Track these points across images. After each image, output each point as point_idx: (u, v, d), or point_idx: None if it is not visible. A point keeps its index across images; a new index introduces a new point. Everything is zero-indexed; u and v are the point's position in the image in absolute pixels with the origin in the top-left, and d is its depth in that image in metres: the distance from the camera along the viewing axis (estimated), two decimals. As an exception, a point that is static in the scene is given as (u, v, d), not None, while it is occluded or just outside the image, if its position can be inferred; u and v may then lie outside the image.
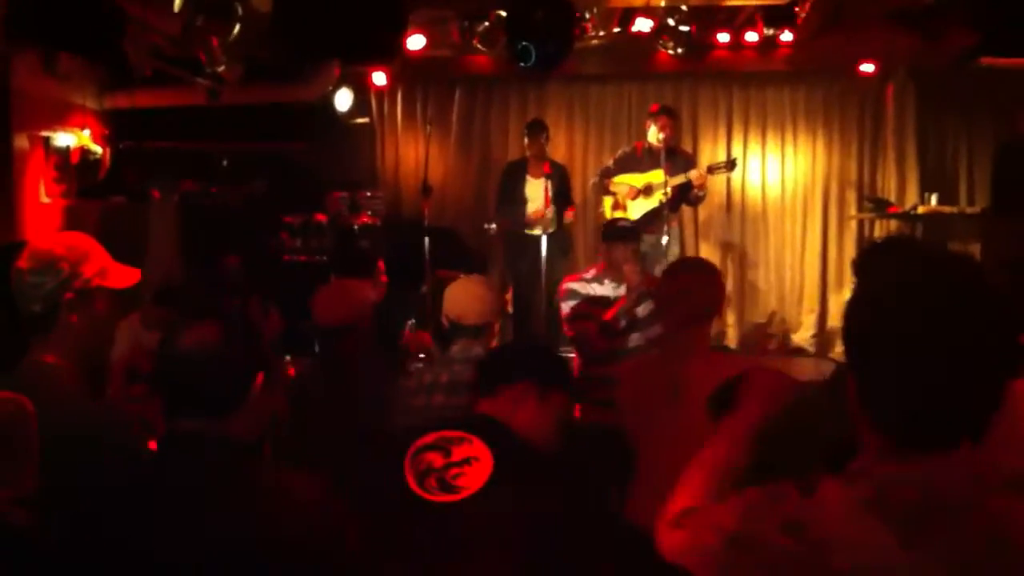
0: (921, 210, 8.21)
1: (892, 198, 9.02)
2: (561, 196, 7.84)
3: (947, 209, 8.30)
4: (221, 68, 6.04)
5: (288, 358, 4.65)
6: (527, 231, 7.87)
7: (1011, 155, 7.47)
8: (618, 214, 7.79)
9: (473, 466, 2.50)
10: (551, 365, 2.88)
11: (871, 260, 1.60)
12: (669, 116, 7.70)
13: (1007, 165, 7.47)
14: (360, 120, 8.69)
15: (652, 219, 7.59)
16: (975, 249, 7.70)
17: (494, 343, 3.75)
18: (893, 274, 1.57)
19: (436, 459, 2.50)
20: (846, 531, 1.46)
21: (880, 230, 9.07)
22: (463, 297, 3.72)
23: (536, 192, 7.77)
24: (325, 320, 3.95)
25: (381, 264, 4.94)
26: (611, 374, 3.93)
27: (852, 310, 1.58)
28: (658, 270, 7.48)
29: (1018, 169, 7.22)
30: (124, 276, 2.67)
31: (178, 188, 7.86)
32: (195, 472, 2.02)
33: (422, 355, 4.64)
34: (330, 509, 2.05)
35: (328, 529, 2.03)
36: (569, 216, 7.91)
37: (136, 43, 5.92)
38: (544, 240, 7.41)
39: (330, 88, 7.76)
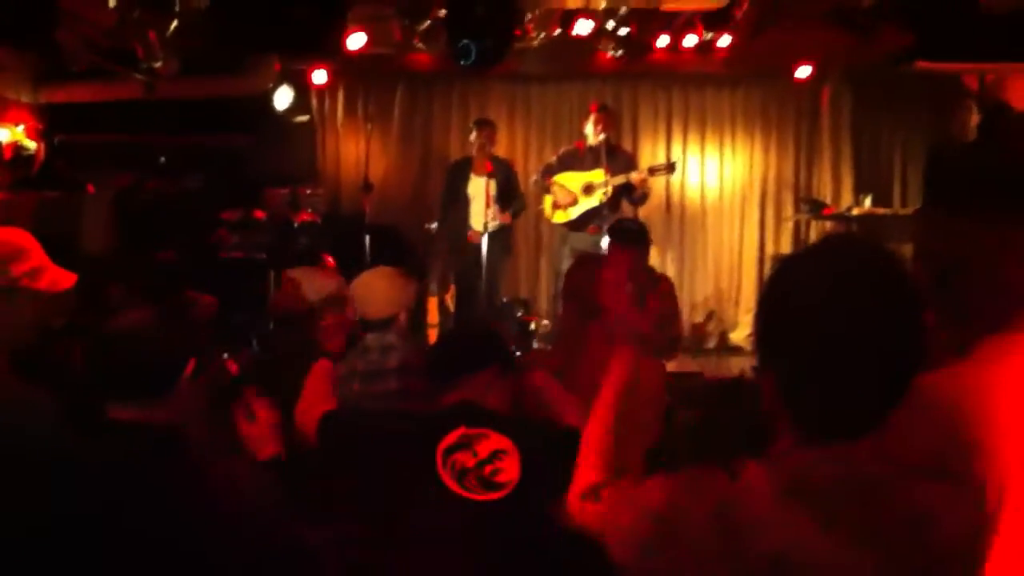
0: (855, 211, 8.35)
1: (828, 199, 9.17)
2: (506, 193, 7.84)
3: (881, 210, 8.45)
4: (158, 63, 5.98)
5: (226, 355, 4.61)
6: (469, 230, 7.87)
7: (939, 155, 7.61)
8: (558, 213, 7.83)
9: (504, 460, 2.57)
10: (501, 346, 2.95)
11: (788, 256, 1.64)
12: (606, 113, 7.76)
13: (936, 165, 7.61)
14: (300, 118, 8.64)
15: (592, 218, 7.63)
16: (908, 250, 7.83)
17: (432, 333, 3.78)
18: (805, 269, 1.60)
19: (466, 459, 2.56)
20: (770, 515, 1.48)
21: (816, 231, 9.21)
22: (368, 291, 3.76)
23: (478, 190, 7.78)
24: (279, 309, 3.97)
25: (328, 259, 4.93)
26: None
27: (764, 306, 1.61)
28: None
29: (946, 169, 7.36)
30: (58, 279, 2.61)
31: (114, 182, 7.75)
32: (123, 457, 2.01)
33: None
34: (259, 495, 2.05)
35: (256, 516, 2.03)
36: (503, 220, 7.82)
37: (71, 36, 5.84)
38: (485, 239, 7.44)
39: (270, 85, 7.71)
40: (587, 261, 4.32)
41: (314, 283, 4.27)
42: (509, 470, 2.54)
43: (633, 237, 5.18)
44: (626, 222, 6.11)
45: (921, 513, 1.52)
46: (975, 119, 7.59)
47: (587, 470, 1.85)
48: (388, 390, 3.51)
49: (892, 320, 1.51)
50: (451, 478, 2.53)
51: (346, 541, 2.58)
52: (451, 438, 2.58)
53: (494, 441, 2.59)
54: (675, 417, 3.47)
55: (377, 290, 3.75)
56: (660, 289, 5.22)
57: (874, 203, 8.47)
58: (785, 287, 1.60)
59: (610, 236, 5.43)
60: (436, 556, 2.50)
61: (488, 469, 2.55)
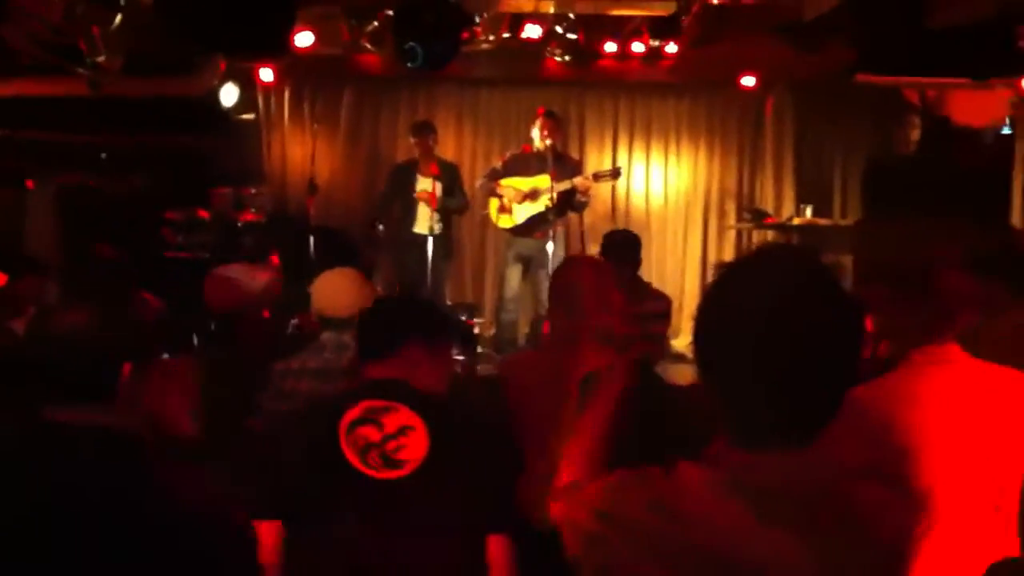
0: (796, 221, 8.45)
1: (770, 209, 9.28)
2: (451, 194, 7.86)
3: (821, 221, 8.57)
4: (101, 59, 5.90)
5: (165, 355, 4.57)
6: (414, 231, 7.86)
7: (879, 167, 7.76)
8: (503, 217, 7.85)
9: (410, 436, 2.51)
10: (435, 319, 2.89)
11: (725, 267, 1.67)
12: (552, 119, 7.80)
13: (875, 177, 7.76)
14: (246, 116, 8.58)
15: (538, 223, 7.66)
16: (847, 261, 7.95)
17: None
18: (741, 280, 1.62)
19: (371, 433, 2.50)
20: (707, 508, 1.51)
21: (758, 240, 9.32)
22: (329, 290, 3.76)
23: (424, 192, 7.78)
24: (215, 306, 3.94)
25: (274, 258, 4.91)
26: (498, 368, 3.98)
27: (703, 314, 1.63)
28: (542, 275, 7.59)
29: (885, 181, 7.50)
30: None
31: (57, 179, 7.64)
32: (62, 460, 1.98)
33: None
34: (204, 496, 2.04)
35: (201, 520, 2.01)
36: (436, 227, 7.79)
37: (16, 30, 5.75)
38: (430, 241, 7.44)
39: (216, 83, 7.65)
40: (575, 262, 4.34)
41: (250, 280, 4.25)
42: (414, 449, 2.49)
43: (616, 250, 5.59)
44: (617, 234, 6.28)
45: (856, 512, 1.55)
46: (917, 133, 7.73)
47: (566, 471, 1.88)
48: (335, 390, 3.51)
49: (829, 329, 1.53)
50: (354, 454, 2.48)
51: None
52: (356, 411, 2.52)
53: (403, 416, 2.53)
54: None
55: (340, 290, 3.75)
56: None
57: (815, 213, 8.58)
58: (723, 295, 1.62)
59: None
60: (339, 534, 2.47)
61: (391, 445, 2.49)
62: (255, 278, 4.29)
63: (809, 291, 1.55)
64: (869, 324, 2.89)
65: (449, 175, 7.94)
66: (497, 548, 2.58)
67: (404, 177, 8.10)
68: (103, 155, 7.97)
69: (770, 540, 1.49)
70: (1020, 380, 2.39)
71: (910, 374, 2.37)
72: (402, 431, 2.50)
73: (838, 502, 1.54)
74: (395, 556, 2.47)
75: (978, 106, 8.17)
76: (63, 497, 1.92)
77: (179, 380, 2.67)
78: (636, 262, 5.84)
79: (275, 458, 2.57)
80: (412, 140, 8.10)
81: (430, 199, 7.60)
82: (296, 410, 2.92)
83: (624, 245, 5.86)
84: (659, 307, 5.78)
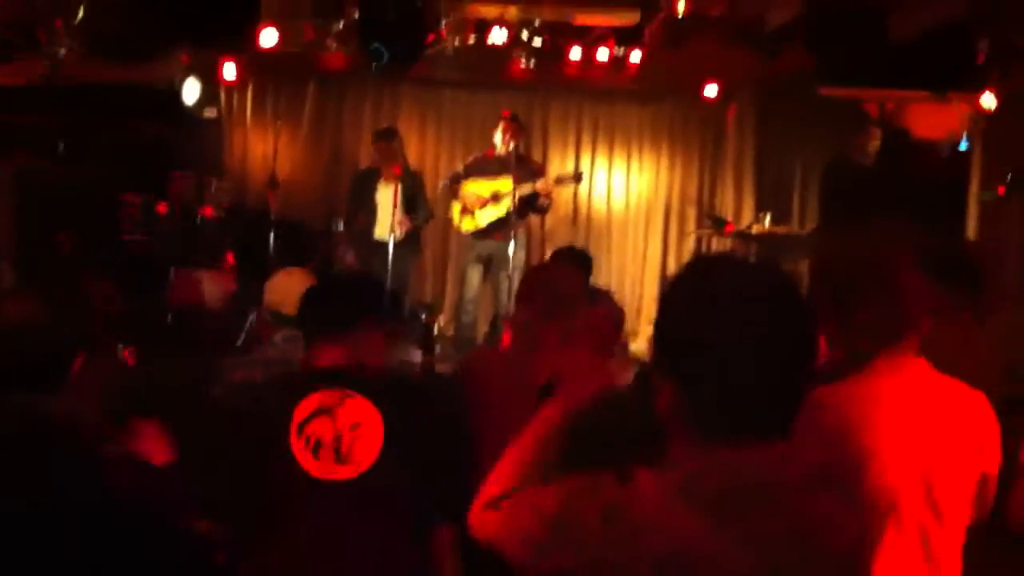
0: (755, 229, 8.51)
1: (729, 216, 9.33)
2: (413, 201, 7.83)
3: (780, 229, 8.63)
4: (63, 49, 5.85)
5: (121, 345, 4.53)
6: (375, 236, 7.83)
7: (835, 175, 7.83)
8: (466, 220, 7.86)
9: (364, 430, 2.43)
10: (386, 296, 2.89)
11: (684, 271, 1.69)
12: (515, 123, 7.81)
13: (831, 185, 7.83)
14: (208, 112, 8.52)
15: (500, 226, 7.67)
16: (804, 268, 8.03)
17: None
18: (700, 282, 1.64)
19: (324, 430, 2.42)
20: (660, 516, 1.51)
21: (717, 247, 9.38)
22: (281, 288, 3.80)
23: (386, 198, 7.76)
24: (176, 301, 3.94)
25: (229, 257, 4.89)
26: (458, 364, 3.97)
27: (664, 315, 1.65)
28: (502, 276, 7.60)
29: (841, 189, 7.58)
30: None
31: (13, 163, 7.53)
32: (9, 448, 1.96)
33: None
34: (150, 488, 2.03)
35: (147, 509, 2.00)
36: (403, 225, 7.70)
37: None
38: (391, 245, 7.42)
39: (177, 77, 7.58)
40: (545, 265, 4.38)
41: (214, 286, 4.25)
42: (368, 443, 2.42)
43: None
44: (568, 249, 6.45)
45: (810, 520, 1.57)
46: (876, 144, 7.81)
47: (494, 483, 1.85)
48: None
49: (785, 330, 1.57)
50: (306, 455, 2.39)
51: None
52: (308, 406, 2.44)
53: (357, 407, 2.45)
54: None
55: (295, 287, 3.67)
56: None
57: (774, 222, 8.65)
58: (683, 297, 1.65)
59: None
60: (289, 544, 2.40)
61: (346, 440, 2.40)
62: (219, 286, 4.29)
63: (766, 293, 1.58)
64: (826, 331, 2.94)
65: (411, 182, 7.90)
66: (442, 538, 2.54)
67: (365, 183, 8.07)
68: (60, 144, 7.85)
69: (720, 549, 1.49)
70: (972, 395, 2.43)
71: (868, 379, 2.40)
72: (356, 426, 2.44)
73: (790, 508, 1.56)
74: (343, 552, 2.42)
75: (936, 119, 8.27)
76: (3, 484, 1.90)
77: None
78: (588, 271, 5.93)
79: (223, 458, 2.48)
80: (373, 146, 8.09)
81: (392, 212, 7.52)
82: (242, 405, 2.78)
83: (579, 256, 6.01)
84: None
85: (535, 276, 3.92)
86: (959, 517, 2.37)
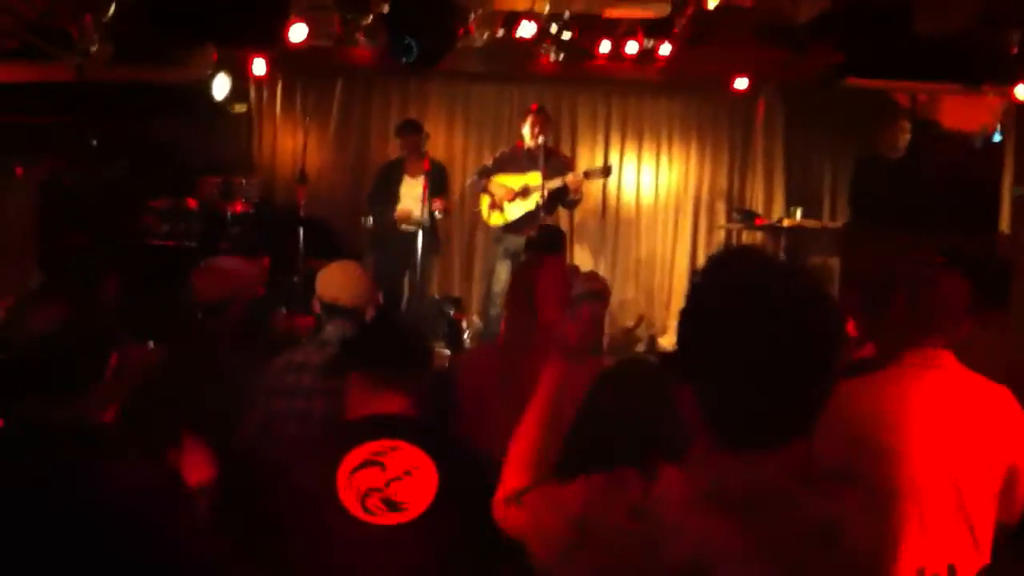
0: (786, 223, 8.45)
1: (759, 210, 9.30)
2: (437, 194, 7.86)
3: (810, 223, 8.57)
4: (93, 47, 5.87)
5: (151, 343, 4.55)
6: (401, 228, 7.86)
7: (866, 171, 7.78)
8: (495, 214, 7.86)
9: (416, 477, 2.40)
10: (422, 345, 2.87)
11: (707, 271, 1.67)
12: (543, 116, 7.81)
13: (863, 181, 7.78)
14: (238, 108, 8.55)
15: (528, 221, 7.67)
16: (835, 263, 7.98)
17: None
18: (724, 284, 1.62)
19: (374, 477, 2.39)
20: (686, 518, 1.51)
21: (747, 240, 9.34)
22: (338, 279, 3.68)
23: (413, 190, 7.78)
24: (204, 296, 3.89)
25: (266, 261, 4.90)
26: (452, 365, 3.95)
27: (687, 318, 1.63)
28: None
29: (873, 185, 7.52)
30: None
31: (43, 165, 7.59)
32: (37, 458, 1.96)
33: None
34: (170, 499, 2.01)
35: (165, 521, 1.98)
36: (437, 206, 7.78)
37: (3, 14, 5.72)
38: (419, 237, 7.44)
39: (207, 73, 7.61)
40: (536, 263, 4.35)
41: (241, 272, 4.21)
42: (419, 492, 2.39)
43: (556, 243, 5.49)
44: (544, 229, 6.34)
45: (830, 524, 1.56)
46: (906, 137, 7.74)
47: (512, 475, 1.86)
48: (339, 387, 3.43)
49: (810, 332, 1.54)
50: (354, 501, 2.37)
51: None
52: (359, 455, 2.42)
53: (408, 456, 2.43)
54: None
55: (351, 278, 3.70)
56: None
57: (804, 215, 8.59)
58: (706, 299, 1.63)
59: (532, 247, 5.69)
60: None
61: (395, 488, 2.38)
62: (245, 271, 4.26)
63: (788, 297, 1.55)
64: (851, 327, 2.92)
65: (437, 175, 7.93)
66: None
67: (390, 175, 8.10)
68: (93, 142, 7.91)
69: (744, 552, 1.49)
70: (997, 390, 2.41)
71: (897, 375, 2.39)
72: (408, 473, 2.41)
73: (811, 512, 1.55)
74: None
75: (969, 111, 8.19)
76: (25, 493, 1.91)
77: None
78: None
79: (267, 507, 2.47)
80: (397, 140, 8.11)
81: (420, 204, 7.55)
82: (290, 453, 2.79)
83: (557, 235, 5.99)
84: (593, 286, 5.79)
85: (522, 275, 3.91)
86: (986, 511, 2.36)
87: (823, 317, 1.56)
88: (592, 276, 2.05)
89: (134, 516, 1.94)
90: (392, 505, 2.38)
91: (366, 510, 2.37)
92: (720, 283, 1.63)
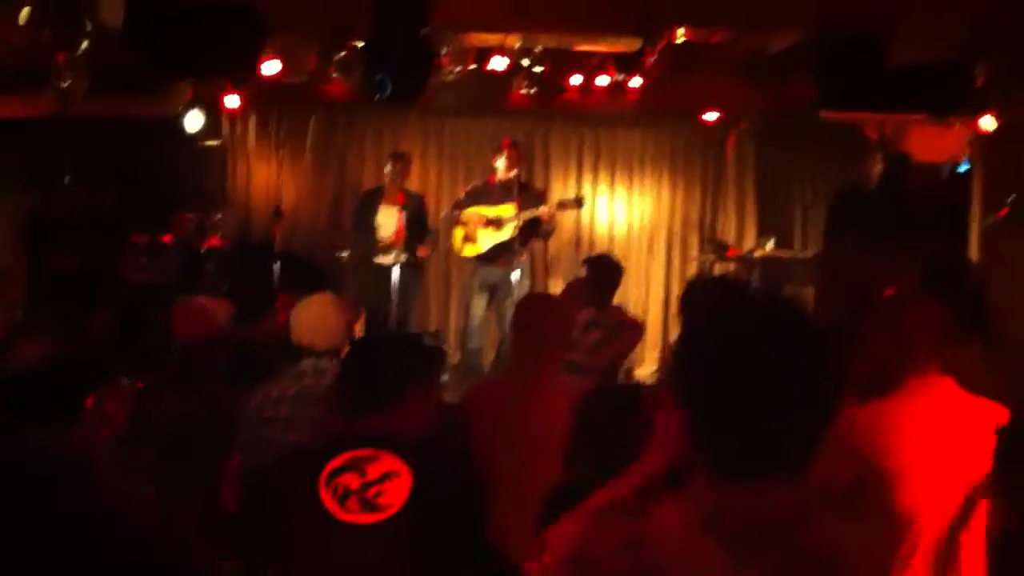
0: (758, 254, 8.53)
1: (731, 241, 9.36)
2: (416, 225, 7.88)
3: (783, 253, 8.65)
4: (67, 83, 5.87)
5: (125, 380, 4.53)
6: (378, 260, 7.86)
7: (841, 202, 7.86)
8: (468, 246, 7.88)
9: (393, 481, 2.48)
10: (427, 358, 2.91)
11: (696, 299, 1.69)
12: (515, 149, 7.87)
13: (837, 212, 7.86)
14: (211, 142, 8.55)
15: (502, 252, 7.70)
16: (808, 292, 8.05)
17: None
18: (718, 314, 1.63)
19: (352, 480, 2.48)
20: (681, 550, 1.50)
21: (720, 271, 9.39)
22: (312, 321, 3.68)
23: (389, 220, 7.80)
24: (184, 336, 3.89)
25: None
26: (461, 398, 3.97)
27: (681, 349, 1.63)
28: (508, 303, 7.62)
29: (849, 216, 7.60)
30: None
31: (20, 199, 7.56)
32: (29, 489, 1.95)
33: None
34: (164, 524, 2.02)
35: (162, 547, 1.99)
36: (422, 253, 7.88)
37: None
38: (396, 270, 7.45)
39: (181, 108, 7.62)
40: (539, 296, 4.40)
41: (216, 311, 4.20)
42: (395, 493, 2.47)
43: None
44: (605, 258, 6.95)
45: (830, 553, 1.55)
46: (878, 168, 7.84)
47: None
48: (314, 416, 3.43)
49: (804, 363, 1.54)
50: (332, 501, 2.46)
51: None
52: (338, 460, 2.51)
53: (387, 463, 2.51)
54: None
55: (324, 320, 3.70)
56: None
57: (776, 246, 8.67)
58: (698, 333, 1.64)
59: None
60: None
61: (373, 491, 2.47)
62: (220, 310, 4.26)
63: (781, 328, 1.56)
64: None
65: (414, 205, 7.97)
66: None
67: (367, 204, 8.12)
68: (66, 179, 7.88)
69: None
70: (997, 412, 2.45)
71: (899, 401, 2.42)
72: (385, 477, 2.49)
73: (811, 541, 1.55)
74: None
75: (937, 143, 8.29)
76: (16, 524, 1.90)
77: None
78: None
79: (251, 512, 2.58)
80: (388, 168, 8.15)
81: (396, 237, 7.59)
82: (274, 463, 2.85)
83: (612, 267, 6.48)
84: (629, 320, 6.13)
85: (528, 307, 3.94)
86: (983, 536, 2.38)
87: (816, 348, 1.56)
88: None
89: (123, 539, 1.94)
90: (368, 505, 2.46)
91: (344, 509, 2.45)
92: (717, 310, 1.64)
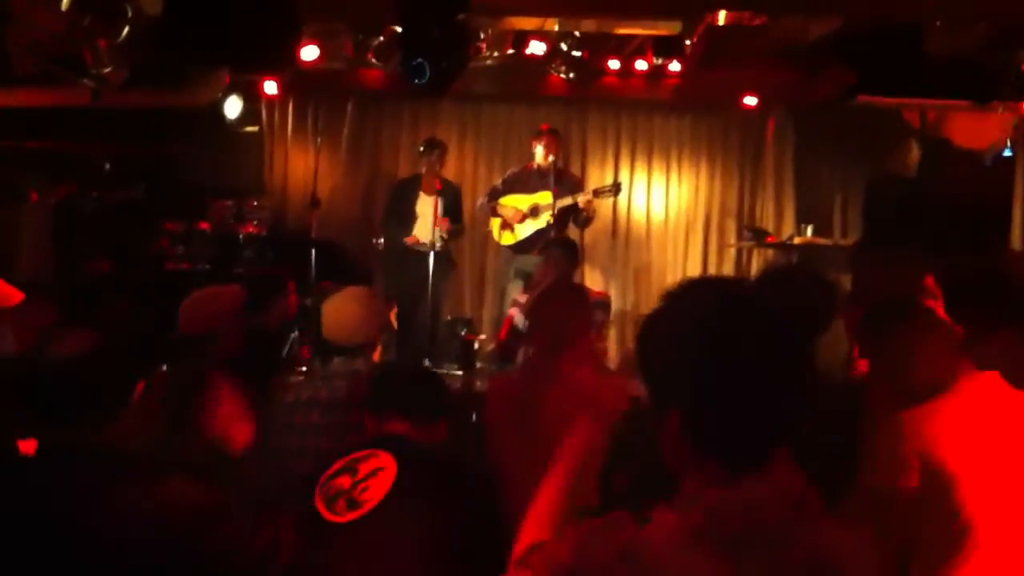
0: (797, 241, 8.45)
1: (770, 228, 9.28)
2: (450, 214, 7.88)
3: (822, 240, 8.56)
4: (107, 70, 5.91)
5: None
6: (413, 248, 7.87)
7: (879, 191, 7.77)
8: (505, 234, 7.87)
9: (378, 476, 2.50)
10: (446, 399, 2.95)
11: (680, 296, 1.67)
12: (554, 136, 7.83)
13: (876, 200, 7.78)
14: (249, 129, 8.59)
15: (539, 240, 7.68)
16: (846, 280, 7.95)
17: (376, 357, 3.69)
18: (700, 308, 1.62)
19: (344, 481, 2.50)
20: (677, 559, 1.49)
21: (758, 259, 9.33)
22: (341, 319, 3.58)
23: (426, 209, 7.81)
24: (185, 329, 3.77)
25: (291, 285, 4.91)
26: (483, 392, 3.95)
27: (665, 343, 1.64)
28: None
29: (885, 205, 7.52)
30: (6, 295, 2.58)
31: (57, 190, 7.63)
32: (68, 486, 1.96)
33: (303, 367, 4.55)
34: (206, 512, 2.03)
35: (203, 534, 2.00)
36: (442, 226, 7.76)
37: (18, 39, 5.75)
38: (431, 257, 7.45)
39: (218, 96, 7.65)
40: (556, 293, 4.29)
41: (213, 302, 4.01)
42: (377, 488, 2.48)
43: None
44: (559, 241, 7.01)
45: (825, 560, 1.54)
46: (916, 155, 7.75)
47: (528, 533, 1.83)
48: (348, 423, 3.31)
49: (776, 359, 1.54)
50: (323, 503, 2.49)
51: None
52: (337, 464, 2.55)
53: (380, 460, 2.53)
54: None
55: (353, 317, 3.59)
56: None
57: (815, 233, 8.58)
58: (660, 330, 1.65)
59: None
60: None
61: (359, 488, 2.49)
62: (218, 300, 4.07)
63: (754, 323, 1.56)
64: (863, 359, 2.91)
65: (451, 194, 7.96)
66: None
67: (405, 193, 8.12)
68: (107, 166, 7.94)
69: None
70: None
71: (956, 398, 2.39)
72: (372, 473, 2.51)
73: (805, 548, 1.54)
74: None
75: (979, 128, 8.19)
76: (59, 519, 1.91)
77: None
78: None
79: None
80: (425, 155, 8.13)
81: (433, 225, 7.58)
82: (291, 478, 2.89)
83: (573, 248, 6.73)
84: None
85: (538, 311, 3.88)
86: None
87: (788, 341, 1.57)
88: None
89: (176, 535, 1.95)
90: (352, 504, 2.48)
91: (332, 511, 2.48)
92: (677, 315, 1.64)
